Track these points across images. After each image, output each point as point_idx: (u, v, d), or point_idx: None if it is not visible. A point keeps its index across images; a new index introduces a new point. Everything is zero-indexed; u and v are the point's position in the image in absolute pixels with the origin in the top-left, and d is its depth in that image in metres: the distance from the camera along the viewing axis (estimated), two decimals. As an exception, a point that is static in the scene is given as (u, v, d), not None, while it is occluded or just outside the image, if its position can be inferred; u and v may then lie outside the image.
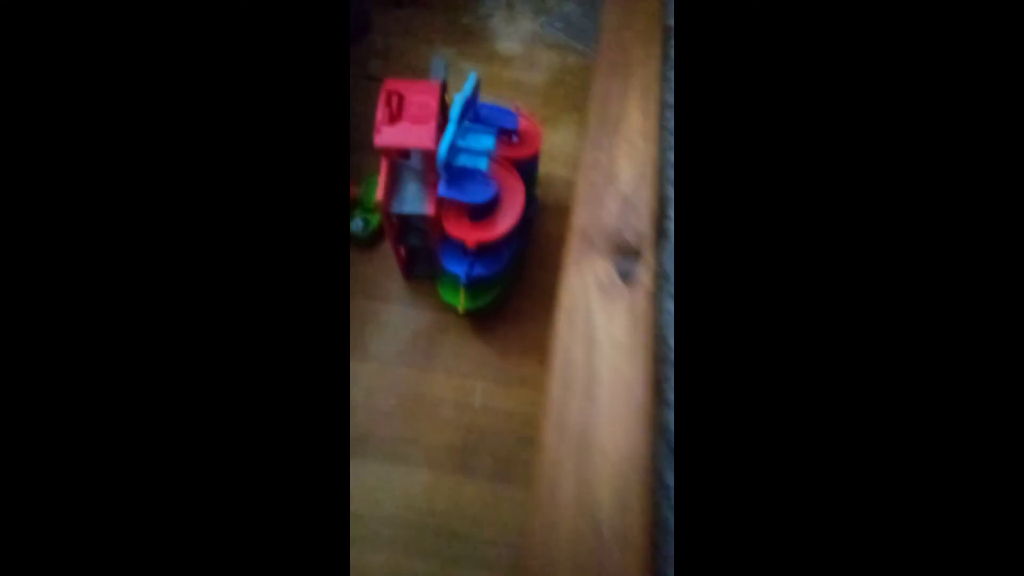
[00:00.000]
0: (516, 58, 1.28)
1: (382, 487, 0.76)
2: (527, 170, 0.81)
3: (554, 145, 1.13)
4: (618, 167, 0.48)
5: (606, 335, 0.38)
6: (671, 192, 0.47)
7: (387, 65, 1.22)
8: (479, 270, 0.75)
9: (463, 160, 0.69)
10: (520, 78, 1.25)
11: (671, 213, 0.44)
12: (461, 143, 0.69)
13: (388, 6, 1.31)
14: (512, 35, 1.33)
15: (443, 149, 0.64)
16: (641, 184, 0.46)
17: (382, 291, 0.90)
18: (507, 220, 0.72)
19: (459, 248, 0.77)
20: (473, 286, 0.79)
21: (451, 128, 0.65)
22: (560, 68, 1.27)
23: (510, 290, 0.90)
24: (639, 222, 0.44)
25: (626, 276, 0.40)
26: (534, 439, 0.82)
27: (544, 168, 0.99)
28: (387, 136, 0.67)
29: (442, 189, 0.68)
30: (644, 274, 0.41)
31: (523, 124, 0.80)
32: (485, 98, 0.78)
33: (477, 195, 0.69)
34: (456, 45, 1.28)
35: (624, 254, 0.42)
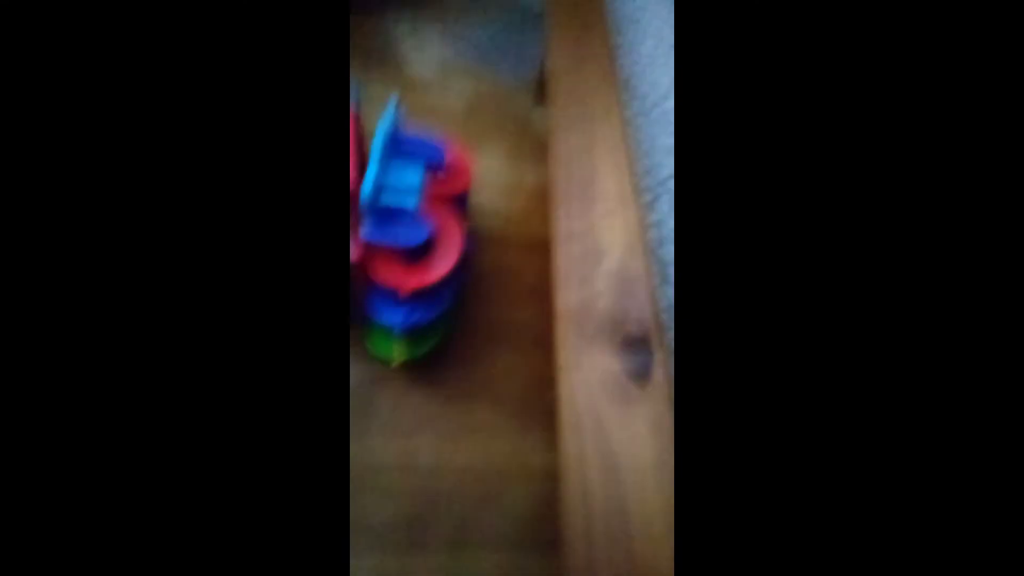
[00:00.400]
0: (429, 83, 1.23)
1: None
2: (458, 204, 0.76)
3: (480, 173, 1.10)
4: (601, 238, 0.42)
5: (627, 455, 0.31)
6: (664, 267, 0.38)
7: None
8: (417, 317, 0.68)
9: (388, 199, 0.62)
10: (434, 103, 1.20)
11: (670, 294, 0.37)
12: (385, 180, 0.62)
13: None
14: (422, 61, 1.28)
15: (366, 189, 0.57)
16: (632, 258, 0.40)
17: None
18: (446, 261, 0.66)
19: (390, 294, 0.69)
20: (410, 334, 0.71)
21: (374, 164, 0.58)
22: (476, 95, 1.25)
23: (451, 331, 0.83)
24: (640, 306, 0.37)
25: (640, 376, 0.34)
26: (492, 495, 0.76)
27: (472, 198, 0.94)
28: (296, 176, 0.58)
29: (367, 233, 0.60)
30: (660, 371, 0.34)
31: (451, 155, 0.75)
32: (394, 107, 0.72)
33: (409, 237, 0.62)
34: (362, 71, 1.20)
35: (632, 347, 0.36)
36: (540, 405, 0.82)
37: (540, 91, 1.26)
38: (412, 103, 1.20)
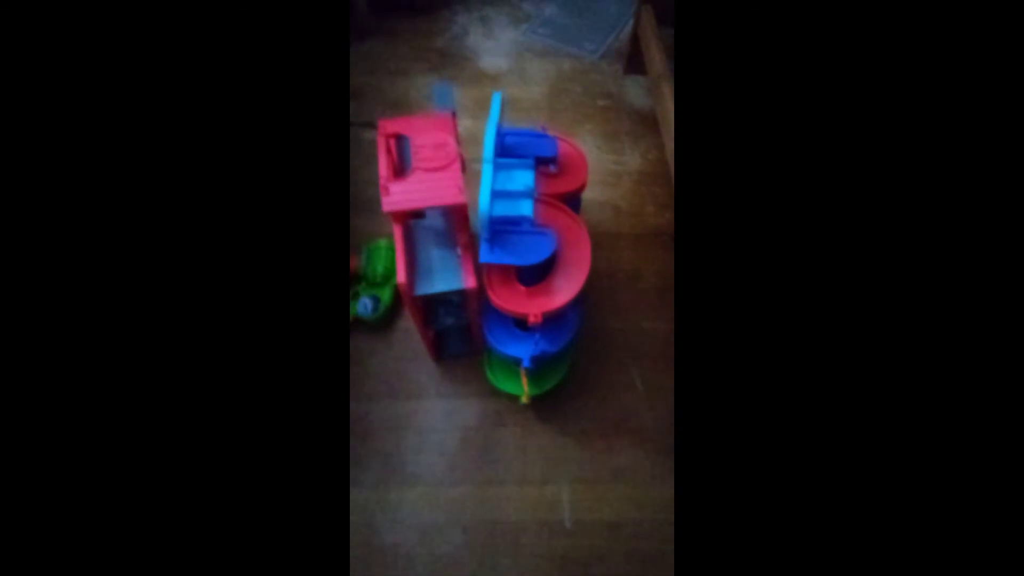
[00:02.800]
0: (505, 74, 1.12)
1: (466, 665, 0.56)
2: (571, 205, 0.63)
3: (578, 164, 0.95)
4: None
5: None
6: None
7: (362, 107, 1.05)
8: (544, 347, 0.56)
9: (500, 209, 0.50)
10: (515, 95, 1.08)
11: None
12: (496, 186, 0.50)
13: (351, 41, 1.15)
14: (495, 50, 1.17)
15: (483, 203, 0.46)
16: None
17: (410, 385, 0.70)
18: (574, 278, 0.53)
19: (511, 322, 0.58)
20: (538, 366, 0.60)
21: (487, 173, 0.47)
22: (557, 76, 1.11)
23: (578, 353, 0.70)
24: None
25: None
26: (654, 556, 0.62)
27: (578, 194, 0.81)
28: (399, 197, 0.48)
29: (484, 254, 0.50)
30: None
31: (562, 148, 0.62)
32: (499, 101, 0.60)
33: (532, 253, 0.51)
34: (436, 72, 1.12)
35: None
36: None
37: (630, 58, 1.10)
38: (489, 97, 1.09)
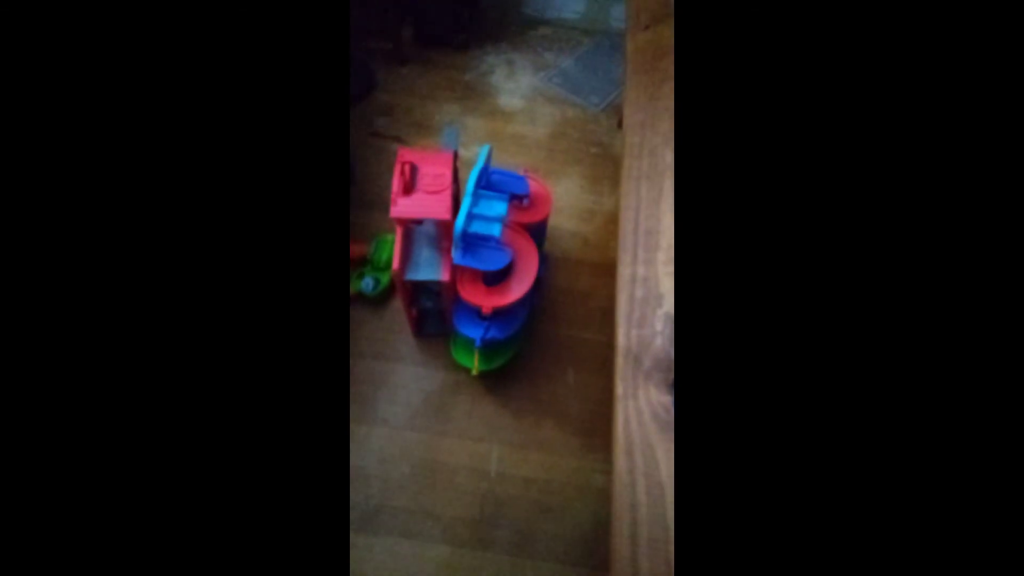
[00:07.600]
0: (518, 113, 1.32)
1: (396, 565, 0.73)
2: (537, 232, 0.82)
3: (558, 197, 1.15)
4: (661, 283, 0.45)
5: (671, 479, 0.35)
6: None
7: (392, 122, 1.25)
8: (494, 333, 0.74)
9: (477, 227, 0.69)
10: (522, 132, 1.28)
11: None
12: (475, 210, 0.70)
13: (392, 65, 1.36)
14: (513, 91, 1.37)
15: (460, 221, 0.65)
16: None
17: (392, 351, 0.89)
18: (522, 285, 0.72)
19: (473, 311, 0.77)
20: (487, 348, 0.79)
21: (467, 200, 0.66)
22: (561, 121, 1.31)
23: (522, 348, 0.89)
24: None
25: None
26: (554, 508, 0.79)
27: (552, 220, 1.00)
28: (403, 207, 0.68)
29: (457, 257, 0.69)
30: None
31: (533, 187, 0.81)
32: (487, 152, 0.80)
33: (492, 262, 0.70)
34: (459, 101, 1.32)
35: (681, 383, 0.40)
36: (604, 427, 0.84)
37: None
38: (501, 131, 1.29)
